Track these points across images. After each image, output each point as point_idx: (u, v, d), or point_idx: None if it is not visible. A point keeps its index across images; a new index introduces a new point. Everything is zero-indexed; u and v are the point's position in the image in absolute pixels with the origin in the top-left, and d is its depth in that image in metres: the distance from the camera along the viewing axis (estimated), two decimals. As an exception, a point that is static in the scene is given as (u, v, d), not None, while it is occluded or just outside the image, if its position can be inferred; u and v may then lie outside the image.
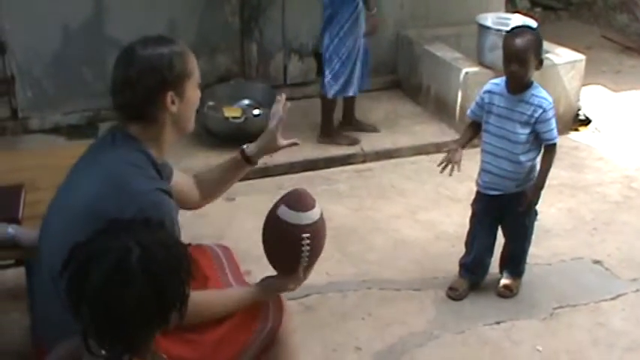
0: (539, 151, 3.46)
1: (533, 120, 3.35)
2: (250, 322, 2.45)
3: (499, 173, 3.48)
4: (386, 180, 4.91)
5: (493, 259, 3.76)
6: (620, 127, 5.63)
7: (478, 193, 3.64)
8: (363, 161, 5.16)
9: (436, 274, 3.90)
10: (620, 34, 7.55)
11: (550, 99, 3.38)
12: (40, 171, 3.08)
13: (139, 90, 2.17)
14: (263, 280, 2.48)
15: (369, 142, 5.25)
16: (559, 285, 3.80)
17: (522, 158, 3.42)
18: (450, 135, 5.35)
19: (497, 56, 5.22)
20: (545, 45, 5.64)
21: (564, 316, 3.59)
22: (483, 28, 5.26)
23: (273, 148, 2.67)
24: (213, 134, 5.14)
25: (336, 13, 4.85)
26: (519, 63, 3.28)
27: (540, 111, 3.33)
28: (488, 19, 5.35)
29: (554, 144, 3.41)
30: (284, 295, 2.57)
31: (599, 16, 8.02)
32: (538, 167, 3.49)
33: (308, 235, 2.34)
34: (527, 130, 3.37)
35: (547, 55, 5.54)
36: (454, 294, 3.71)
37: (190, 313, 2.03)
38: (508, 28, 5.17)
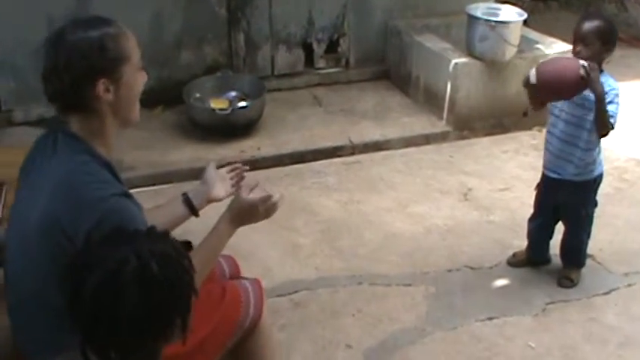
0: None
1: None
2: (234, 313, 2.47)
3: (562, 156, 3.51)
4: (375, 173, 4.85)
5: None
6: (610, 118, 5.59)
7: (542, 174, 3.68)
8: (352, 153, 5.09)
9: (427, 268, 3.85)
10: (610, 25, 7.52)
11: (615, 86, 3.40)
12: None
13: (67, 78, 2.00)
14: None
15: (358, 134, 5.19)
16: (551, 280, 3.76)
17: (585, 145, 3.44)
18: (439, 127, 5.30)
19: (486, 46, 5.19)
20: (535, 35, 5.58)
21: (557, 312, 3.55)
22: (473, 19, 5.20)
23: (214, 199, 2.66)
24: (199, 126, 5.07)
25: None
26: (583, 44, 3.36)
27: None
28: (478, 10, 5.29)
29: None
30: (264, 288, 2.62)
31: (588, 6, 7.99)
32: (599, 159, 3.54)
33: None
34: (592, 116, 3.37)
35: (536, 46, 5.49)
36: (511, 260, 3.89)
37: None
38: (497, 19, 5.17)
